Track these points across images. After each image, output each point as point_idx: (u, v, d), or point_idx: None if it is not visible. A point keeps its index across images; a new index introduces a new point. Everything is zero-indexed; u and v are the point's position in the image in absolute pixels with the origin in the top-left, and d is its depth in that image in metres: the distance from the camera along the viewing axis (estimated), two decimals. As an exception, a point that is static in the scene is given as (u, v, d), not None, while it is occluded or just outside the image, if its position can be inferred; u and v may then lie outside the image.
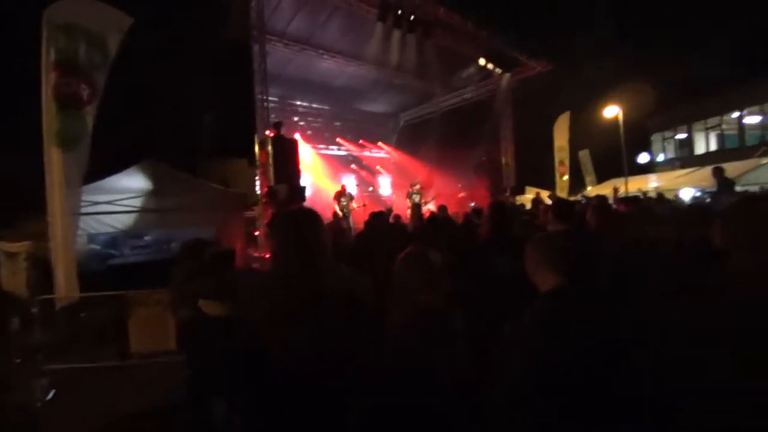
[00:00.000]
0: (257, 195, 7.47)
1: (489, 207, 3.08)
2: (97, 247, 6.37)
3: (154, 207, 6.17)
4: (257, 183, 7.55)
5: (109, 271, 5.74)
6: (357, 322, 1.24)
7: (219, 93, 7.25)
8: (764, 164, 10.63)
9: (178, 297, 2.30)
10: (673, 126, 20.36)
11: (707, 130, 18.71)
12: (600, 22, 13.83)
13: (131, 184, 6.25)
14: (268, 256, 6.97)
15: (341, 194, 10.41)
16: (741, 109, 16.88)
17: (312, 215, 1.39)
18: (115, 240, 6.58)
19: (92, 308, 4.54)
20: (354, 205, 10.55)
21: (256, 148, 7.43)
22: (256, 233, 7.57)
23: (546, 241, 1.51)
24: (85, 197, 4.97)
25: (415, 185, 11.83)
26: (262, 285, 1.38)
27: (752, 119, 16.73)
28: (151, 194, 6.21)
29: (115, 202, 5.94)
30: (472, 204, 10.98)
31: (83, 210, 5.03)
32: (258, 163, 7.47)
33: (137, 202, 6.14)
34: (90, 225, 5.78)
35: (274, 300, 1.25)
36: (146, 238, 7.04)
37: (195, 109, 8.39)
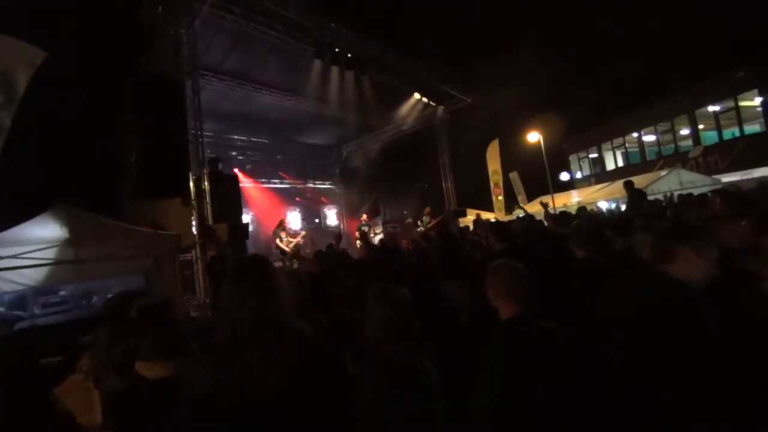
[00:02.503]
0: (194, 236, 6.97)
1: (437, 237, 3.18)
2: (1, 309, 5.47)
3: (71, 258, 5.46)
4: (193, 223, 7.07)
5: (17, 337, 4.94)
6: (318, 379, 1.14)
7: (146, 129, 6.78)
8: (663, 176, 12.27)
9: (103, 363, 2.00)
10: (586, 147, 22.95)
11: (614, 148, 21.35)
12: (518, 61, 15.50)
13: (41, 234, 5.48)
14: (208, 301, 6.46)
15: (281, 228, 9.99)
16: (639, 130, 19.57)
17: (264, 265, 1.28)
18: (22, 299, 5.69)
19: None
20: (297, 240, 10.13)
21: (191, 186, 7.01)
22: (195, 277, 7.01)
23: (506, 271, 1.56)
24: (-15, 252, 4.29)
25: (362, 215, 11.95)
26: (211, 346, 1.22)
27: (649, 138, 19.43)
28: (67, 243, 5.48)
29: (22, 255, 5.16)
30: (419, 229, 11.28)
31: (-18, 267, 4.33)
32: (193, 201, 7.03)
33: (49, 254, 5.38)
34: (-8, 284, 4.95)
35: (225, 365, 1.12)
36: (61, 293, 6.18)
37: (118, 146, 7.75)
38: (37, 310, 5.79)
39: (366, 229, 11.33)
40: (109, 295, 5.14)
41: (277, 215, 13.09)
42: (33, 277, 5.29)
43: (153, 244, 6.13)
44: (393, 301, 1.43)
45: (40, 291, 5.71)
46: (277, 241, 9.73)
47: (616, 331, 1.31)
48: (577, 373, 1.29)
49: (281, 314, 1.18)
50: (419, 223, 11.60)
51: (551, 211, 8.33)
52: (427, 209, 11.82)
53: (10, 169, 4.54)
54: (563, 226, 4.08)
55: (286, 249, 9.53)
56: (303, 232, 11.27)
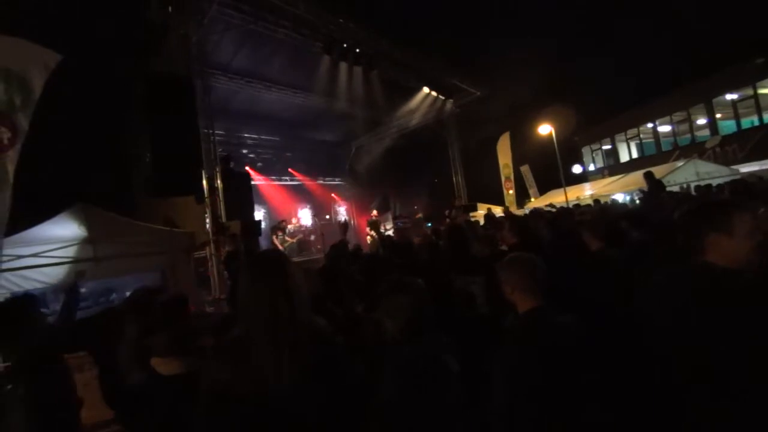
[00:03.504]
0: (208, 233, 7.08)
1: (447, 230, 3.16)
2: (23, 306, 5.62)
3: (89, 256, 5.60)
4: (207, 220, 7.18)
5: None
6: (332, 377, 1.15)
7: (158, 129, 6.90)
8: (680, 167, 11.96)
9: (128, 358, 2.04)
10: (599, 139, 22.47)
11: (628, 140, 20.87)
12: (528, 52, 15.25)
13: (61, 233, 5.63)
14: (222, 297, 6.57)
15: (279, 228, 10.49)
16: (653, 120, 19.09)
17: (279, 261, 1.26)
18: (44, 296, 5.85)
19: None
20: (292, 241, 10.73)
21: (204, 184, 7.11)
22: (208, 274, 7.13)
23: (521, 265, 1.54)
24: (6, 251, 4.40)
25: (372, 211, 12.00)
26: (225, 343, 1.22)
27: (664, 128, 18.93)
28: (85, 242, 5.64)
29: (43, 254, 5.31)
30: (429, 224, 11.26)
31: (5, 266, 4.45)
32: (207, 199, 7.13)
33: (69, 252, 5.54)
34: (13, 282, 5.08)
35: (240, 360, 1.12)
36: (82, 290, 6.35)
37: (132, 146, 7.90)
38: (58, 307, 5.95)
39: (377, 225, 11.38)
40: (128, 293, 5.25)
41: (288, 212, 13.25)
42: (53, 275, 5.45)
43: (168, 241, 6.25)
44: (412, 291, 1.42)
45: (60, 289, 5.86)
46: (273, 237, 10.12)
47: (660, 327, 1.22)
48: (599, 368, 1.26)
49: (296, 311, 1.17)
50: (446, 213, 11.60)
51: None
52: (457, 200, 11.88)
53: (29, 170, 4.65)
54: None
55: (280, 247, 9.86)
56: (300, 235, 11.76)
